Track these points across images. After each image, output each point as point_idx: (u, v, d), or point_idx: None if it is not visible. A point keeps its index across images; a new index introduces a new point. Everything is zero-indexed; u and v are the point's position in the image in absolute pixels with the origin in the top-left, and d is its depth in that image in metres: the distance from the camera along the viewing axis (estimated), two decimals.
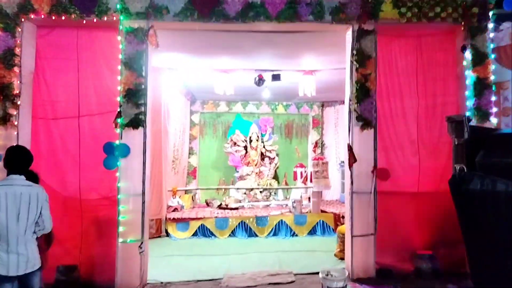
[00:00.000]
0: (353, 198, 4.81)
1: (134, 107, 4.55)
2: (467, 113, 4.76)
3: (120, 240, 4.48)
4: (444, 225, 4.88)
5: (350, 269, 4.78)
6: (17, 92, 4.51)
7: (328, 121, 10.80)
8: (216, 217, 7.51)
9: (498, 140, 3.37)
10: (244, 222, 7.48)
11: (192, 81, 8.22)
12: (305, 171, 9.83)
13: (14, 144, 3.74)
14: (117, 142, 4.50)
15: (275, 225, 7.52)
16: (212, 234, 7.36)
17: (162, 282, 4.78)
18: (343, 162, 9.41)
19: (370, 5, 4.77)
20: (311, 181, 8.67)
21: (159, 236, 7.32)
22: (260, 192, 9.70)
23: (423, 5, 4.79)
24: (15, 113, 4.49)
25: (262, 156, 10.31)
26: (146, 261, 4.70)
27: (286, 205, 8.74)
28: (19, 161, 2.85)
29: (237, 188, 9.55)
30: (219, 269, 5.28)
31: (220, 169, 10.48)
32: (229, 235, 7.39)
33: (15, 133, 4.48)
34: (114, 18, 4.58)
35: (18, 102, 4.52)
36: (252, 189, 9.61)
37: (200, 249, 6.51)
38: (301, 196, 8.51)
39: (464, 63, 4.92)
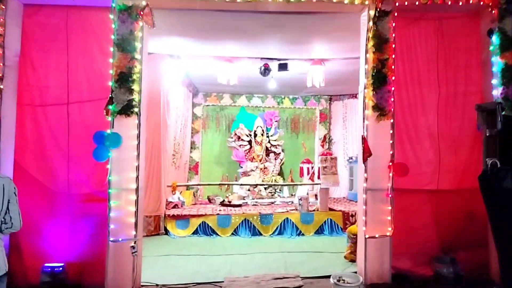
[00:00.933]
0: (367, 195, 4.40)
1: (127, 92, 4.13)
2: None
3: (111, 238, 4.09)
4: (466, 226, 4.55)
5: (363, 273, 4.36)
6: (0, 75, 4.14)
7: (336, 115, 10.48)
8: (218, 214, 7.15)
9: None
10: (248, 220, 7.13)
11: (194, 70, 7.85)
12: (312, 167, 9.47)
13: None
14: (108, 131, 4.10)
15: (280, 224, 7.17)
16: (214, 232, 7.01)
17: (157, 285, 4.41)
18: (351, 158, 9.09)
19: None
20: (318, 177, 8.30)
21: (158, 234, 6.96)
22: (265, 188, 9.42)
23: None
24: None
25: (267, 151, 10.02)
26: (139, 262, 4.31)
27: (292, 202, 8.44)
28: None
29: (241, 185, 9.23)
30: (220, 271, 4.92)
31: (223, 165, 10.19)
32: (232, 233, 7.04)
33: None
34: None
35: (1, 86, 4.15)
36: (256, 186, 9.29)
37: (200, 248, 6.16)
38: (307, 193, 8.23)
39: (491, 48, 4.52)
